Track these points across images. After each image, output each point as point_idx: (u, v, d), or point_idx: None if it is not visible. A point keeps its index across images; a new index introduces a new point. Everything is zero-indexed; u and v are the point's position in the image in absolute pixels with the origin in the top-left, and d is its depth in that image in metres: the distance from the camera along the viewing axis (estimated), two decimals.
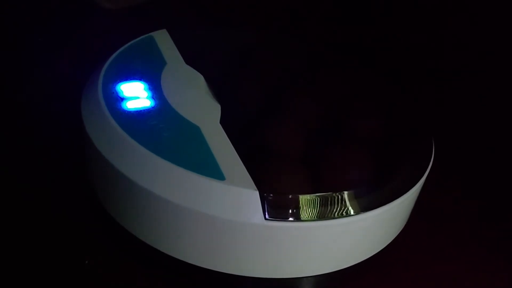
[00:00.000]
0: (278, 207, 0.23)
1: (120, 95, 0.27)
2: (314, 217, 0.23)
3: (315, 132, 0.29)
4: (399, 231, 0.28)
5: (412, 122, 0.31)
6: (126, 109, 0.26)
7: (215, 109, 0.27)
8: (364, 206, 0.24)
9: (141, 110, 0.26)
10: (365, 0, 0.52)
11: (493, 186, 0.35)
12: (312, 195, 0.24)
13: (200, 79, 0.30)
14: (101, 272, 0.27)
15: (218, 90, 0.29)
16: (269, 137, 0.28)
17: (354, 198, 0.24)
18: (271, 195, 0.23)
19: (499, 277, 0.29)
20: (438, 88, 0.44)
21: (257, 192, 0.23)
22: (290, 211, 0.23)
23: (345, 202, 0.24)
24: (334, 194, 0.24)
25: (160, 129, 0.25)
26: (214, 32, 0.36)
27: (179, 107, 0.27)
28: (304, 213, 0.23)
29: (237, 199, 0.23)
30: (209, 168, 0.24)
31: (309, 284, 0.27)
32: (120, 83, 0.28)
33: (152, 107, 0.27)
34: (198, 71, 0.30)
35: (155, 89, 0.28)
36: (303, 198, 0.24)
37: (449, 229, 0.32)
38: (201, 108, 0.27)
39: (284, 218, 0.23)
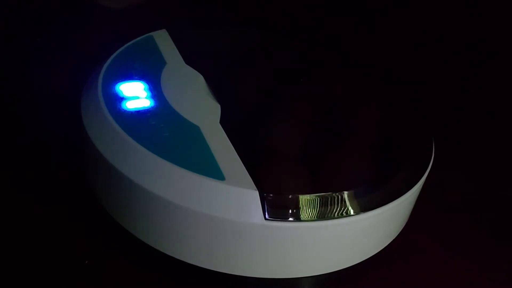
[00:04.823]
0: (278, 207, 0.23)
1: (120, 95, 0.27)
2: (314, 217, 0.23)
3: (315, 132, 0.29)
4: (399, 231, 0.28)
5: (412, 122, 0.31)
6: (126, 109, 0.26)
7: (215, 109, 0.27)
8: (364, 206, 0.24)
9: (141, 110, 0.26)
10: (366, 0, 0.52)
11: (494, 187, 0.35)
12: (312, 195, 0.24)
13: (200, 79, 0.30)
14: (101, 273, 0.27)
15: (218, 90, 0.29)
16: (269, 137, 0.28)
17: (354, 198, 0.24)
18: (271, 195, 0.23)
19: (499, 277, 0.29)
20: (438, 87, 0.44)
21: (257, 192, 0.23)
22: (290, 211, 0.23)
23: (345, 202, 0.24)
24: (334, 194, 0.24)
25: (160, 129, 0.25)
26: (214, 32, 0.36)
27: (179, 107, 0.27)
28: (304, 213, 0.23)
29: (237, 199, 0.23)
30: (209, 168, 0.24)
31: (309, 285, 0.27)
32: (120, 83, 0.28)
33: (152, 107, 0.27)
34: (198, 71, 0.30)
35: (155, 89, 0.28)
36: (303, 198, 0.24)
37: (449, 229, 0.32)
38: (201, 108, 0.27)
39: (284, 218, 0.23)
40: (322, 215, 0.24)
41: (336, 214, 0.24)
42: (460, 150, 0.38)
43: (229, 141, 0.25)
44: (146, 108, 0.27)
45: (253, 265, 0.25)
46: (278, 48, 0.35)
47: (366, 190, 0.25)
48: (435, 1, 0.48)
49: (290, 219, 0.23)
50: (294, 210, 0.23)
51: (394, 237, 0.28)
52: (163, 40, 0.32)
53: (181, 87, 0.29)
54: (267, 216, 0.23)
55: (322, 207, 0.24)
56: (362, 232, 0.25)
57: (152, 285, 0.27)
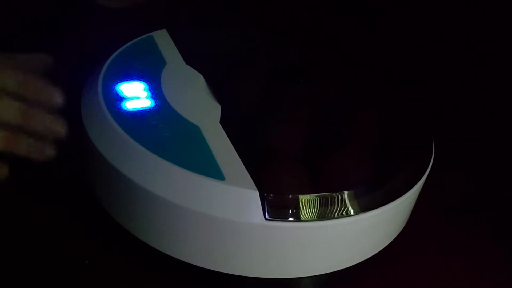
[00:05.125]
0: (278, 207, 0.23)
1: (120, 95, 0.27)
2: (314, 217, 0.23)
3: (315, 132, 0.29)
4: (399, 231, 0.28)
5: (412, 122, 0.31)
6: (126, 109, 0.26)
7: (215, 109, 0.27)
8: (364, 206, 0.24)
9: (141, 110, 0.26)
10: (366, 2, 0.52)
11: (494, 187, 0.35)
12: (312, 195, 0.24)
13: (200, 79, 0.30)
14: (101, 273, 0.27)
15: (218, 90, 0.29)
16: (269, 137, 0.28)
17: (354, 198, 0.24)
18: (271, 195, 0.23)
19: (499, 277, 0.29)
20: (438, 87, 0.44)
21: (257, 192, 0.23)
22: (290, 211, 0.23)
23: (345, 202, 0.24)
24: (334, 194, 0.24)
25: (160, 129, 0.25)
26: (214, 32, 0.36)
27: (179, 107, 0.27)
28: (304, 213, 0.23)
29: (237, 199, 0.23)
30: (209, 168, 0.24)
31: (309, 285, 0.27)
32: (120, 83, 0.28)
33: (152, 107, 0.27)
34: (198, 71, 0.30)
35: (155, 89, 0.28)
36: (303, 198, 0.24)
37: (449, 229, 0.32)
38: (201, 108, 0.28)
39: (284, 218, 0.23)
40: (322, 215, 0.24)
41: (336, 214, 0.24)
42: (460, 150, 0.38)
43: (229, 141, 0.25)
44: (146, 108, 0.27)
45: (253, 265, 0.25)
46: (278, 48, 0.35)
47: (366, 190, 0.25)
48: (435, 1, 0.48)
49: (290, 219, 0.23)
50: (294, 210, 0.23)
51: (394, 237, 0.28)
52: (163, 40, 0.32)
53: (181, 87, 0.29)
54: (267, 216, 0.23)
55: (322, 207, 0.24)
56: (362, 232, 0.25)
57: (152, 285, 0.27)
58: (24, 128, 0.27)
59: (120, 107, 0.26)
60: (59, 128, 0.27)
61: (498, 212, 0.34)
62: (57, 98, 0.27)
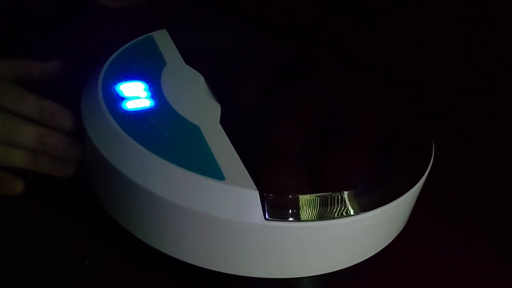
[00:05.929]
0: (278, 207, 0.23)
1: (120, 95, 0.27)
2: (314, 217, 0.23)
3: (315, 132, 0.29)
4: (399, 231, 0.28)
5: (412, 123, 0.31)
6: (126, 109, 0.26)
7: (215, 109, 0.27)
8: (364, 206, 0.24)
9: (141, 110, 0.26)
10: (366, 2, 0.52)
11: (494, 187, 0.35)
12: (312, 195, 0.24)
13: (200, 79, 0.30)
14: (101, 273, 0.27)
15: (218, 90, 0.29)
16: (269, 137, 0.28)
17: (354, 198, 0.24)
18: (271, 195, 0.23)
19: (499, 277, 0.29)
20: (438, 87, 0.44)
21: (257, 192, 0.23)
22: (290, 211, 0.23)
23: (345, 202, 0.24)
24: (334, 194, 0.24)
25: (160, 129, 0.25)
26: (214, 32, 0.36)
27: (179, 107, 0.27)
28: (304, 213, 0.23)
29: (237, 199, 0.23)
30: (209, 168, 0.24)
31: (309, 284, 0.27)
32: (120, 83, 0.28)
33: (152, 107, 0.27)
34: (198, 71, 0.30)
35: (155, 89, 0.28)
36: (303, 198, 0.24)
37: (449, 229, 0.32)
38: (201, 108, 0.28)
39: (284, 218, 0.23)
40: (322, 215, 0.24)
41: (336, 214, 0.24)
42: (460, 150, 0.38)
43: (229, 141, 0.25)
44: (146, 108, 0.27)
45: (253, 265, 0.25)
46: (278, 48, 0.35)
47: (366, 190, 0.25)
48: (435, 1, 0.48)
49: (290, 219, 0.23)
50: (294, 210, 0.23)
51: (394, 237, 0.28)
52: (163, 40, 0.32)
53: (181, 87, 0.29)
54: (267, 216, 0.23)
55: (322, 207, 0.24)
56: (362, 232, 0.25)
57: (152, 285, 0.27)
58: (41, 151, 0.27)
59: (120, 107, 0.26)
60: (73, 153, 0.28)
61: (498, 212, 0.34)
62: (68, 123, 0.28)
